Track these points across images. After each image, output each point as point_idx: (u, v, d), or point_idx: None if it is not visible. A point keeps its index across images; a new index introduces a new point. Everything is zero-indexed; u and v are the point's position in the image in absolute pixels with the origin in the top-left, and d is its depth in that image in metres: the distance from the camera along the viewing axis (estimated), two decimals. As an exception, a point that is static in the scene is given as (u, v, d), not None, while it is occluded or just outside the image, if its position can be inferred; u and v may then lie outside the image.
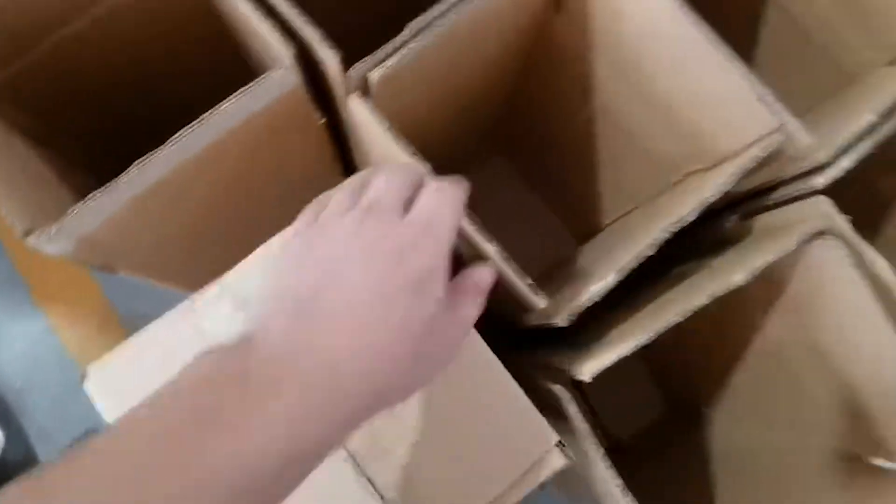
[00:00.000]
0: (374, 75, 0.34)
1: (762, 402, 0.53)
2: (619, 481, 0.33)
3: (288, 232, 0.26)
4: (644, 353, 0.68)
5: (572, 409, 0.33)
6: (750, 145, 0.36)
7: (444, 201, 0.26)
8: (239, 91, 0.35)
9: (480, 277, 0.28)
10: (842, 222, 0.36)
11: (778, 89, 0.57)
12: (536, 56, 0.50)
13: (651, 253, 0.34)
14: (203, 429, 0.19)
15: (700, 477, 0.56)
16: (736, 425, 0.58)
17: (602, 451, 0.34)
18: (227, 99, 0.35)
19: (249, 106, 0.36)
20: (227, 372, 0.21)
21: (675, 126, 0.42)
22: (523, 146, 0.67)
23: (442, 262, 0.24)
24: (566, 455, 0.33)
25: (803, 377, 0.44)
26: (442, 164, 0.63)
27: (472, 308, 0.26)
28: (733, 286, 0.34)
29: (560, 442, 0.33)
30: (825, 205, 0.36)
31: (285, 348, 0.22)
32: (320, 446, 0.21)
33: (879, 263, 0.36)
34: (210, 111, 0.34)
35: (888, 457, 0.40)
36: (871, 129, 0.37)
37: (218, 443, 0.19)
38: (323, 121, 0.42)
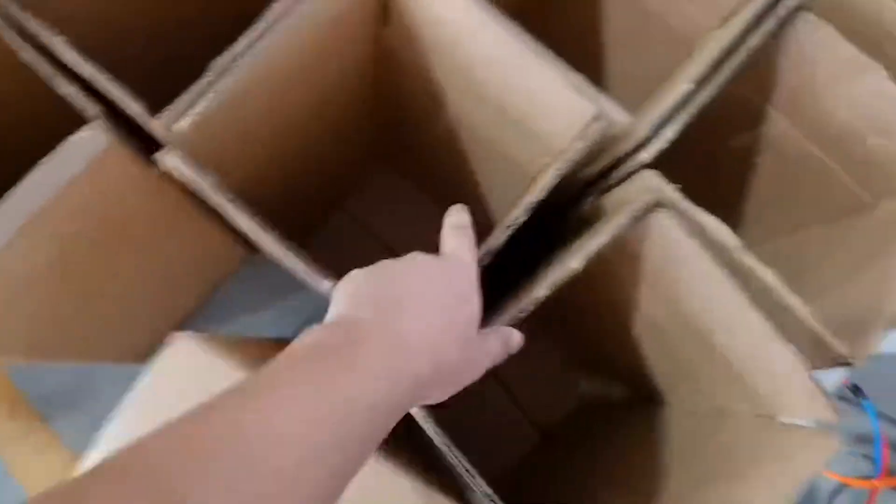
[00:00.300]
0: (183, 125, 0.34)
1: (663, 376, 0.53)
2: (487, 489, 0.33)
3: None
4: (559, 342, 0.69)
5: (427, 426, 0.33)
6: (575, 138, 0.36)
7: (459, 239, 0.34)
8: (47, 156, 0.34)
9: (512, 335, 0.34)
10: (672, 192, 0.36)
11: (629, 68, 0.59)
12: (381, 70, 0.50)
13: (486, 260, 0.34)
14: (313, 379, 0.24)
15: (629, 456, 0.56)
16: (650, 401, 0.58)
17: (462, 460, 0.34)
18: (36, 165, 0.34)
19: (65, 170, 0.35)
20: (327, 341, 0.27)
21: (513, 127, 0.42)
22: (405, 158, 0.67)
23: (473, 285, 0.32)
24: None
25: (681, 348, 0.45)
26: (327, 182, 0.63)
27: (498, 347, 0.33)
28: (571, 272, 0.34)
29: None
30: (653, 178, 0.36)
31: (370, 327, 0.28)
32: (394, 392, 0.26)
33: (715, 227, 0.36)
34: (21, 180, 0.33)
35: (781, 413, 0.40)
36: (689, 97, 0.38)
37: (326, 389, 0.24)
38: (160, 173, 0.41)
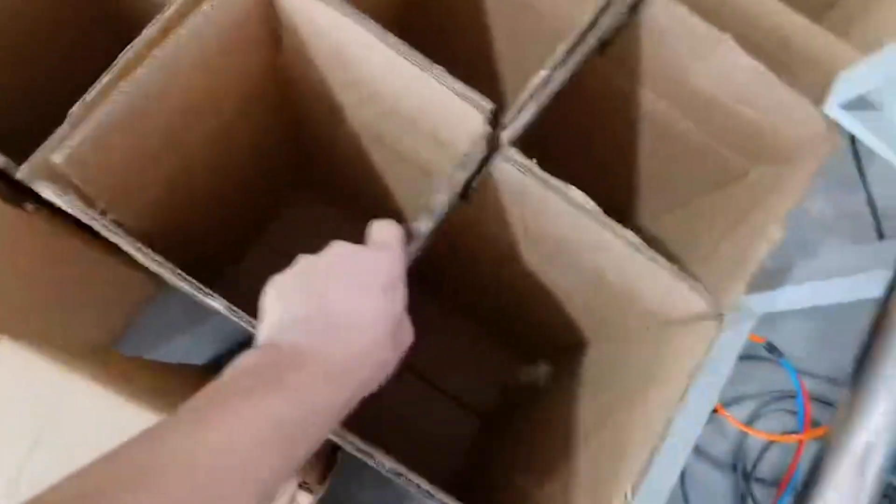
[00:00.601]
0: (56, 158, 0.34)
1: (585, 329, 0.56)
2: (392, 465, 0.35)
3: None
4: (483, 324, 0.71)
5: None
6: (473, 144, 0.39)
7: (388, 229, 0.34)
8: None
9: None
10: (529, 163, 0.39)
11: (515, 58, 0.61)
12: (283, 94, 0.52)
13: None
14: (244, 397, 0.25)
15: (541, 435, 0.58)
16: (573, 366, 0.60)
17: (354, 440, 0.35)
18: None
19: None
20: (264, 361, 0.28)
21: (415, 132, 0.44)
22: (322, 181, 0.68)
23: (401, 272, 0.33)
24: (310, 490, 0.36)
25: (582, 291, 0.48)
26: (246, 208, 0.65)
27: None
28: (423, 235, 0.36)
29: (302, 483, 0.36)
30: (512, 153, 0.39)
31: (307, 345, 0.28)
32: (334, 407, 0.28)
33: (574, 194, 0.39)
34: None
35: (671, 318, 0.44)
36: (546, 82, 0.41)
37: (259, 403, 0.25)
38: (34, 209, 0.40)
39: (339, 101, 0.49)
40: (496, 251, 0.49)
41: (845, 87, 0.41)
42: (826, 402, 0.80)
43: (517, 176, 0.39)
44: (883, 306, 0.31)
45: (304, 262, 0.32)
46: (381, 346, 0.30)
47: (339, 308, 0.30)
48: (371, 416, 0.67)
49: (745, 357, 0.80)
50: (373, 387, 0.31)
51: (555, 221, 0.41)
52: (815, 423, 0.79)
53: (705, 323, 0.40)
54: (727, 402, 0.79)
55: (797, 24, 0.49)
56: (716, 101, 0.51)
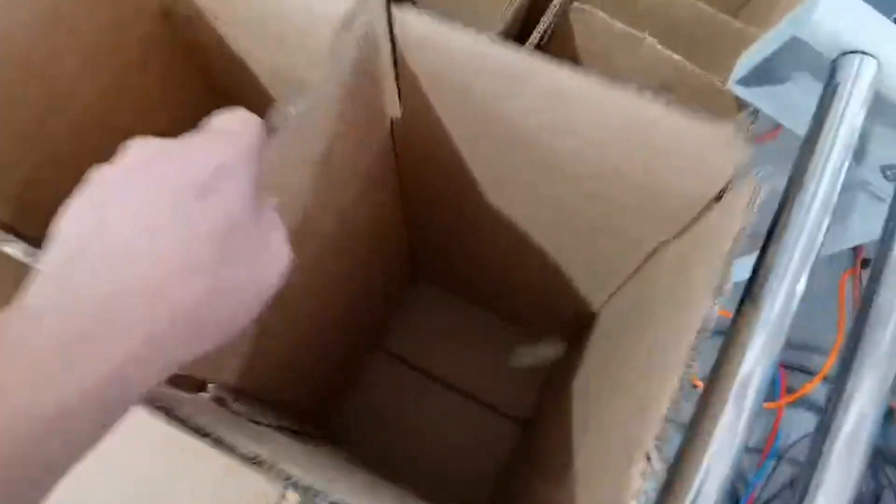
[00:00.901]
0: None
1: (581, 269, 0.58)
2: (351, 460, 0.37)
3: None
4: (500, 315, 0.74)
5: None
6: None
7: (233, 117, 0.24)
8: None
9: None
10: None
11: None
12: (197, 61, 0.55)
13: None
14: None
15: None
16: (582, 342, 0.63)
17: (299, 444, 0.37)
18: None
19: None
20: None
21: (285, 45, 0.45)
22: None
23: (237, 162, 0.22)
24: (297, 488, 0.38)
25: (565, 200, 0.48)
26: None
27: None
28: (294, 118, 0.33)
29: (288, 480, 0.38)
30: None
31: (49, 298, 0.20)
32: (80, 401, 0.19)
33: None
34: None
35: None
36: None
37: None
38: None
39: (235, 42, 0.49)
40: (447, 175, 0.50)
41: (744, 64, 0.46)
42: (800, 370, 0.84)
43: (424, 34, 0.36)
44: (760, 256, 0.34)
45: (93, 174, 0.22)
46: (183, 281, 0.20)
47: (116, 233, 0.20)
48: (406, 434, 0.71)
49: (717, 333, 0.83)
50: (198, 347, 0.21)
51: (489, 98, 0.39)
52: (791, 390, 0.82)
53: (734, 193, 0.33)
54: (705, 377, 0.83)
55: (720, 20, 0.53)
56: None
